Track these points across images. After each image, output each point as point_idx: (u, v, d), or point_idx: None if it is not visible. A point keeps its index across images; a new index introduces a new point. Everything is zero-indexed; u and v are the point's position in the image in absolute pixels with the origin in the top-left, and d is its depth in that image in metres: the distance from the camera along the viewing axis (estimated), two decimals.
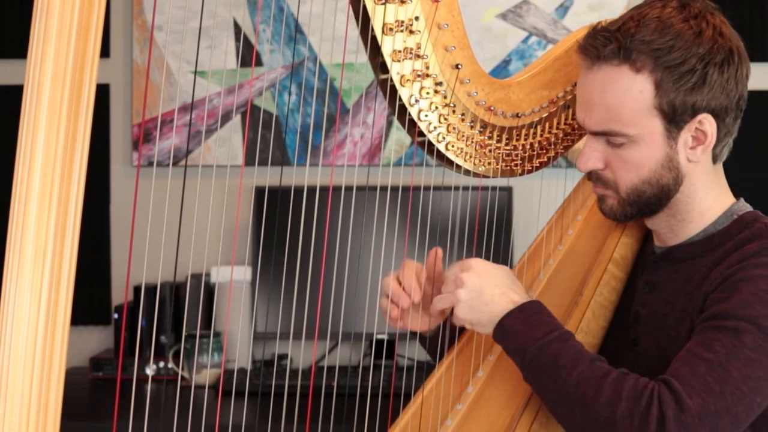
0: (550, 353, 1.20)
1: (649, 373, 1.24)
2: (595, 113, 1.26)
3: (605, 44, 1.23)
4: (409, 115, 1.33)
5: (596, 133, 1.27)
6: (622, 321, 1.37)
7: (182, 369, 2.54)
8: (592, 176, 1.32)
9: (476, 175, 1.43)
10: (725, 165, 1.34)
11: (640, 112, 1.23)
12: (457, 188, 2.13)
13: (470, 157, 1.40)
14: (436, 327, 1.44)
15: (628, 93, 1.23)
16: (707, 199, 1.30)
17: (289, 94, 2.78)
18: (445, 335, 1.42)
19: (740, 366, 1.13)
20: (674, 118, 1.23)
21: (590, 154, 1.29)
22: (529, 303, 1.26)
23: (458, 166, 1.41)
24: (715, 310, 1.18)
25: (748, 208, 1.32)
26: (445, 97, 1.33)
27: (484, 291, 1.27)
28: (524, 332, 1.23)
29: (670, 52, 1.21)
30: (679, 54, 1.21)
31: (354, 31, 1.29)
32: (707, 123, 1.24)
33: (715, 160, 1.29)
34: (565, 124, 1.42)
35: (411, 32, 1.27)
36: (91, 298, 2.78)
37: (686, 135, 1.25)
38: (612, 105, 1.24)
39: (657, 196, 1.28)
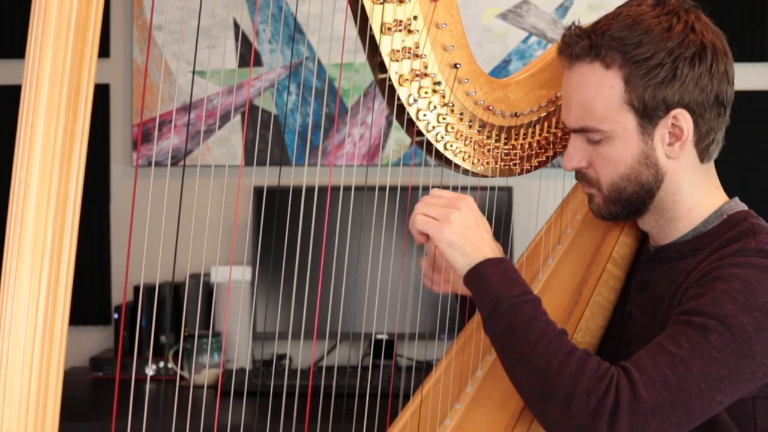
0: (525, 313, 1.19)
1: None
2: (573, 111, 1.28)
3: (577, 42, 1.26)
4: (408, 114, 1.33)
5: (575, 131, 1.30)
6: (617, 320, 1.37)
7: (182, 369, 2.53)
8: (578, 175, 1.34)
9: (475, 174, 1.43)
10: (722, 165, 1.34)
11: (611, 107, 1.25)
12: (456, 188, 2.12)
13: (469, 156, 1.40)
14: None
15: (600, 89, 1.25)
16: (694, 197, 1.30)
17: (289, 93, 2.78)
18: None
19: (702, 364, 1.13)
20: (646, 113, 1.24)
21: (573, 153, 1.31)
22: (506, 259, 1.27)
23: (457, 166, 1.41)
24: (688, 306, 1.19)
25: (741, 207, 1.32)
26: (444, 97, 1.33)
27: (479, 226, 1.27)
28: (501, 284, 1.22)
29: (638, 46, 1.22)
30: (647, 48, 1.22)
31: (353, 31, 1.29)
32: (682, 118, 1.24)
33: (702, 158, 1.29)
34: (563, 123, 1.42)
35: (409, 32, 1.27)
36: (91, 298, 2.78)
37: (662, 131, 1.25)
38: (586, 102, 1.26)
39: (638, 194, 1.29)
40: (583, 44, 1.25)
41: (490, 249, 1.26)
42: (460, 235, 1.25)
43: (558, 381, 1.14)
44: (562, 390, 1.14)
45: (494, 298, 1.21)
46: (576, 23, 1.30)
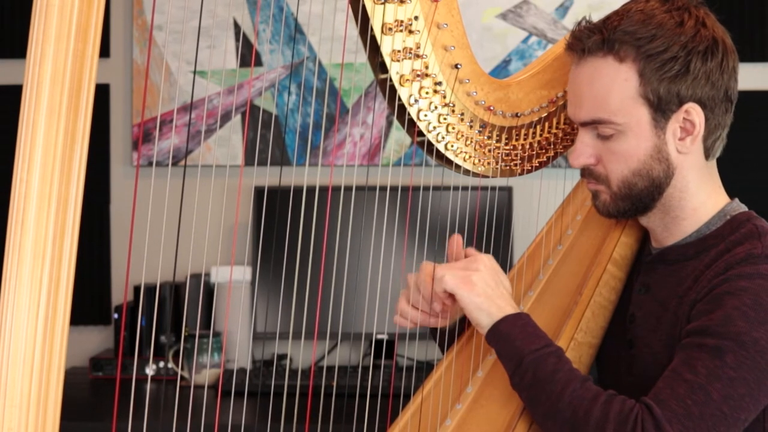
0: (548, 365, 1.21)
1: (645, 375, 1.24)
2: (584, 105, 1.28)
3: (589, 37, 1.26)
4: (409, 114, 1.33)
5: (586, 124, 1.29)
6: (619, 322, 1.37)
7: (182, 369, 2.53)
8: (585, 172, 1.33)
9: (476, 174, 1.43)
10: (723, 165, 1.34)
11: (626, 100, 1.24)
12: (456, 188, 2.13)
13: (469, 156, 1.40)
14: (453, 323, 1.42)
15: (614, 82, 1.24)
16: (700, 195, 1.30)
17: (289, 93, 2.78)
18: (464, 330, 1.42)
19: (721, 387, 1.14)
20: (660, 106, 1.24)
21: (582, 149, 1.30)
22: (524, 313, 1.29)
23: (458, 166, 1.41)
24: (699, 325, 1.19)
25: (743, 208, 1.32)
26: (445, 97, 1.33)
27: (499, 284, 1.30)
28: (522, 338, 1.24)
29: (652, 40, 1.23)
30: (660, 42, 1.23)
31: (354, 31, 1.29)
32: (694, 112, 1.25)
33: (707, 155, 1.29)
34: (564, 123, 1.42)
35: (410, 32, 1.27)
36: (91, 298, 2.78)
37: (674, 125, 1.26)
38: (599, 95, 1.26)
39: (648, 189, 1.28)
40: (595, 38, 1.25)
41: (511, 305, 1.29)
42: (485, 296, 1.28)
43: (586, 429, 1.16)
44: None
45: (518, 354, 1.23)
46: (587, 18, 1.30)
